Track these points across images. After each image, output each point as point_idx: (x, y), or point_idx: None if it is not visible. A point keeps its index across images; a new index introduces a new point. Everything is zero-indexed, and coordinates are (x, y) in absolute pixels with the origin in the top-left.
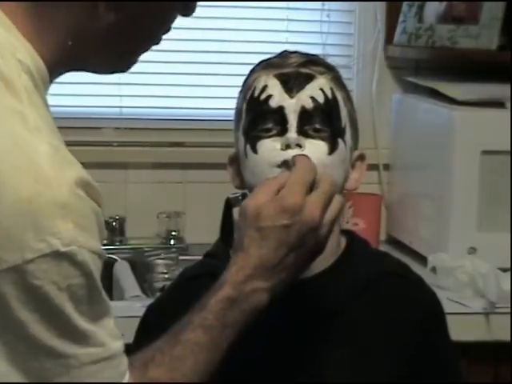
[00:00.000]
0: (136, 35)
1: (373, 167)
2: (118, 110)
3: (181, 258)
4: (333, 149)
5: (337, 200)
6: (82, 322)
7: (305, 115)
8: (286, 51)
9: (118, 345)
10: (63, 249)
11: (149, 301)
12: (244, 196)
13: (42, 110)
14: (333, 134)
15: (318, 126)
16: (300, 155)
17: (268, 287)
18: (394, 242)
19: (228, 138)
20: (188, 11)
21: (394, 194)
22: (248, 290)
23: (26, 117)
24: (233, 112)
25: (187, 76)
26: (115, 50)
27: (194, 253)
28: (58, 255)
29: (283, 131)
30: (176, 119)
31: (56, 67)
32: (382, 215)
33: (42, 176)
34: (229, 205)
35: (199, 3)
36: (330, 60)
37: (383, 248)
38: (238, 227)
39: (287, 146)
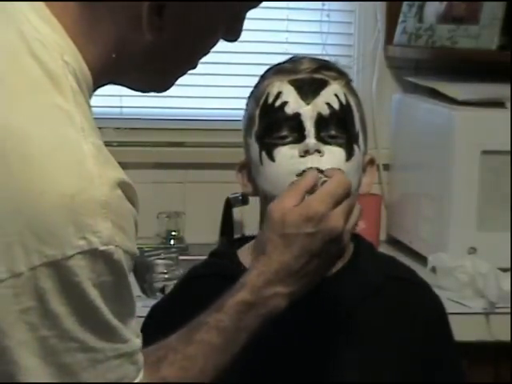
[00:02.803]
0: (176, 57)
1: None
2: (118, 109)
3: (181, 257)
4: (350, 155)
5: (357, 208)
6: (112, 318)
7: (321, 122)
8: (295, 56)
9: (138, 342)
10: (101, 247)
11: (149, 301)
12: (244, 196)
13: (86, 111)
14: (349, 140)
15: (333, 132)
16: (336, 169)
17: (288, 292)
18: (393, 242)
19: (228, 138)
20: (232, 36)
21: (393, 194)
22: (267, 295)
23: (72, 115)
24: (233, 112)
25: (187, 76)
26: (154, 69)
27: (194, 253)
28: (95, 253)
29: (300, 138)
30: (176, 119)
31: (97, 78)
32: (382, 215)
33: (86, 174)
34: (229, 205)
35: None
36: (329, 60)
37: (383, 248)
38: (262, 230)
39: (306, 152)
